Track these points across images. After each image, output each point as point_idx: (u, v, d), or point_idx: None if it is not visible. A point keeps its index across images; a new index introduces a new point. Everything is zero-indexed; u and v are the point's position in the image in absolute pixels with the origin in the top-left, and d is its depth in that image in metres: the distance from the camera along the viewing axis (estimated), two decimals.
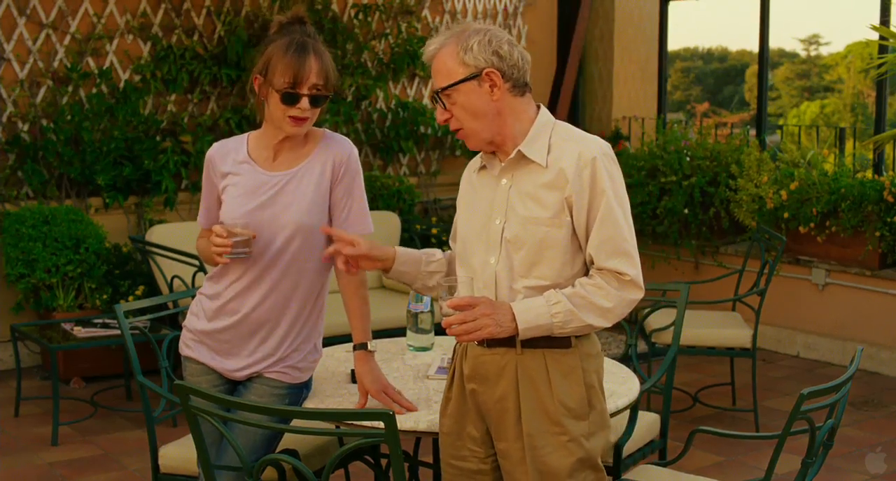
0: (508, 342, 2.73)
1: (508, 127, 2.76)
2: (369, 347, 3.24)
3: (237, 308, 3.23)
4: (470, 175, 2.95)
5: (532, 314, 2.67)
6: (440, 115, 2.78)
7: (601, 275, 2.70)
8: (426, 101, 8.46)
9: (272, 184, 3.22)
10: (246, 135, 3.35)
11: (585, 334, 2.77)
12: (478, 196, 2.87)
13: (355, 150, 3.29)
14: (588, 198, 2.70)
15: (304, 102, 3.12)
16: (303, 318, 3.27)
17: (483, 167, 2.88)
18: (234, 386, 3.32)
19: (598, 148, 2.74)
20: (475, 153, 2.94)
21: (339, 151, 3.24)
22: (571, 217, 2.71)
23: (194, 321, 3.34)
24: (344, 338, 4.99)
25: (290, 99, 3.12)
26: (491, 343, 2.75)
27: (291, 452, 3.30)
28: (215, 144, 3.36)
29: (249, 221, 3.19)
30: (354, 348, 3.26)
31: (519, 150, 2.74)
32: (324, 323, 3.37)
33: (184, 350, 3.37)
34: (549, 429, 2.73)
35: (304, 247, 3.21)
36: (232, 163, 3.27)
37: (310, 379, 3.35)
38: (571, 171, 2.70)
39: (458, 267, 2.91)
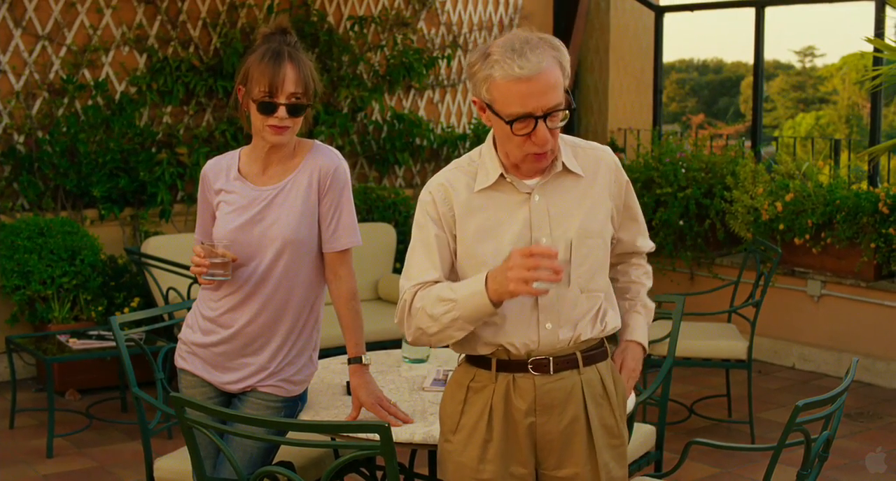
0: (572, 364, 2.68)
1: None
2: (364, 361, 3.22)
3: (231, 322, 3.23)
4: (468, 197, 2.67)
5: (645, 332, 2.94)
6: (549, 141, 2.54)
7: (641, 258, 2.95)
8: (422, 112, 8.48)
9: (261, 199, 3.21)
10: (238, 150, 3.34)
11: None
12: (499, 217, 2.65)
13: (344, 163, 3.26)
14: (624, 197, 2.82)
15: (282, 111, 3.10)
16: (296, 332, 3.26)
17: (492, 186, 2.66)
18: (229, 398, 3.32)
19: (608, 149, 2.81)
20: None
21: (326, 163, 3.22)
22: (613, 221, 2.78)
23: (189, 333, 3.33)
24: (340, 350, 4.98)
25: (266, 108, 3.10)
26: (556, 368, 2.67)
27: (287, 464, 3.30)
28: (210, 161, 3.36)
29: (239, 237, 3.19)
30: (349, 362, 3.25)
31: (563, 163, 2.66)
32: (319, 335, 3.37)
33: (179, 362, 3.37)
34: (612, 442, 2.73)
35: (295, 260, 3.21)
36: (225, 179, 3.27)
37: (305, 392, 3.35)
38: (609, 177, 2.75)
39: None
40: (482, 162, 2.69)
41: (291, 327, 3.24)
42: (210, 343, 3.26)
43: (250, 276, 3.19)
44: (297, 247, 3.19)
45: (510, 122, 2.53)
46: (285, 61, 3.10)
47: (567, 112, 2.56)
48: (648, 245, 2.96)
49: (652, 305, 2.97)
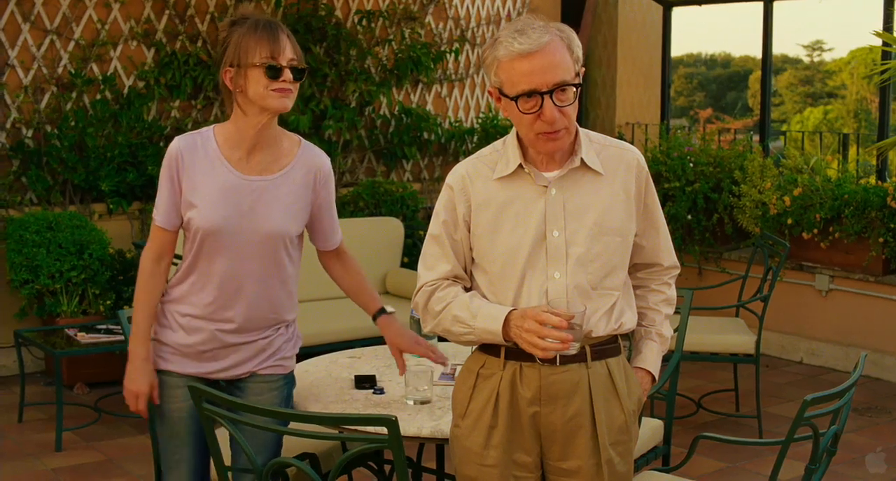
0: (580, 357, 2.67)
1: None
2: (387, 310, 3.34)
3: (220, 316, 3.15)
4: (485, 187, 2.71)
5: (656, 360, 2.89)
6: (559, 119, 2.56)
7: (667, 277, 2.91)
8: (429, 106, 8.47)
9: (250, 190, 3.11)
10: (210, 129, 3.19)
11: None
12: (515, 208, 2.68)
13: (330, 161, 3.29)
14: (645, 202, 2.79)
15: (287, 73, 3.06)
16: (283, 314, 3.25)
17: (511, 175, 2.69)
18: (217, 388, 3.26)
19: (635, 150, 2.80)
20: None
21: (322, 163, 3.23)
22: (636, 222, 2.76)
23: (170, 335, 3.21)
24: (335, 347, 4.99)
25: (273, 71, 3.04)
26: (563, 360, 2.66)
27: (310, 456, 3.30)
28: (180, 139, 3.14)
29: (226, 227, 3.08)
30: (376, 316, 3.34)
31: (582, 159, 2.67)
32: (298, 309, 3.34)
33: (161, 364, 3.23)
34: (620, 439, 2.73)
35: (283, 252, 3.17)
36: (203, 158, 3.12)
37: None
38: (629, 175, 2.73)
39: (495, 285, 2.72)
40: (504, 151, 2.72)
41: (280, 313, 3.23)
42: (198, 342, 3.17)
43: (239, 270, 3.12)
44: (285, 241, 3.16)
45: (515, 99, 2.56)
46: (279, 28, 3.10)
47: (576, 89, 2.57)
48: (671, 260, 2.91)
49: (668, 333, 2.92)
